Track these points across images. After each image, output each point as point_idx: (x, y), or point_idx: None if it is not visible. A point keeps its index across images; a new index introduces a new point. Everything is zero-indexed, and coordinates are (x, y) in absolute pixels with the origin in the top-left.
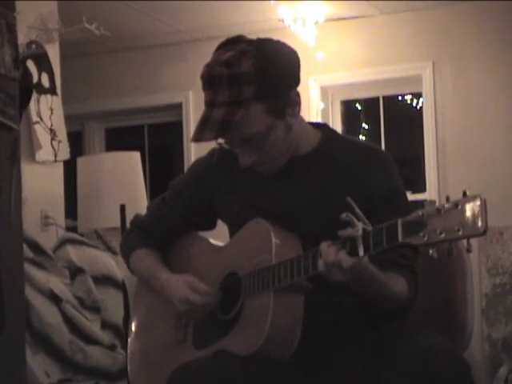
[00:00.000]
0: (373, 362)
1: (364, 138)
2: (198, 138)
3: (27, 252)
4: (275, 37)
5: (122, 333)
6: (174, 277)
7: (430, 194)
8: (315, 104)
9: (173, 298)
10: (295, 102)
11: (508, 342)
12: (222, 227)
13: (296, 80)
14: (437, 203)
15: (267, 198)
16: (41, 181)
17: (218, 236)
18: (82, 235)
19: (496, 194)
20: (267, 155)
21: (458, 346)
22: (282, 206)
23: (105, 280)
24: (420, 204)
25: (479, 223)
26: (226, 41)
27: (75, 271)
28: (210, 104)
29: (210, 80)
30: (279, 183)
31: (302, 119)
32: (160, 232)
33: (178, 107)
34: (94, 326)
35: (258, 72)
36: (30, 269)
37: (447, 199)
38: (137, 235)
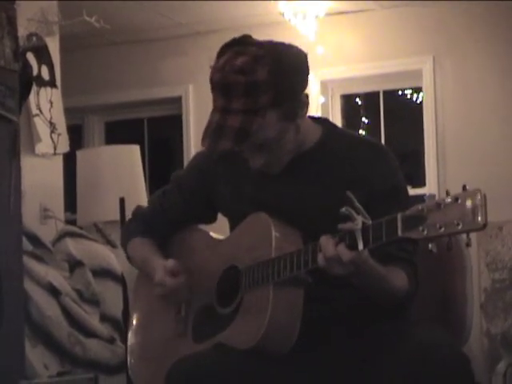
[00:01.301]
0: (373, 356)
1: (364, 133)
2: (213, 146)
3: (26, 245)
4: (276, 30)
5: (120, 326)
6: (160, 262)
7: (430, 188)
8: (315, 98)
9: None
10: (305, 103)
11: (507, 337)
12: (222, 220)
13: (307, 82)
14: (436, 197)
15: (268, 193)
16: (40, 174)
17: (219, 229)
18: (81, 228)
19: (495, 189)
20: (276, 156)
21: (458, 340)
22: (283, 200)
23: (104, 273)
24: (420, 198)
25: (479, 218)
26: (231, 41)
27: (74, 264)
28: (223, 110)
29: (224, 87)
30: (281, 178)
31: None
32: (160, 224)
33: (177, 101)
34: (92, 319)
35: (274, 80)
36: (29, 261)
37: (447, 193)
38: (135, 225)
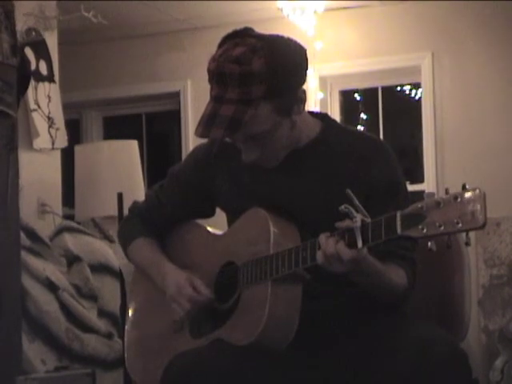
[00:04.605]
0: (371, 352)
1: (362, 129)
2: (205, 134)
3: (24, 240)
4: (274, 26)
5: (118, 321)
6: (177, 271)
7: (428, 184)
8: (314, 94)
9: (169, 289)
10: (301, 99)
11: (504, 333)
12: (220, 215)
13: (304, 78)
14: (435, 194)
15: (267, 188)
16: (38, 169)
17: (216, 224)
18: (79, 223)
19: (493, 185)
20: (270, 151)
21: (456, 336)
22: (282, 196)
23: (102, 268)
24: (418, 195)
25: (478, 216)
26: (232, 33)
27: (72, 259)
28: (217, 99)
29: (220, 76)
30: (279, 173)
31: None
32: (158, 219)
33: (176, 96)
34: (90, 315)
35: (270, 71)
36: (26, 257)
37: (446, 192)
38: (135, 223)
